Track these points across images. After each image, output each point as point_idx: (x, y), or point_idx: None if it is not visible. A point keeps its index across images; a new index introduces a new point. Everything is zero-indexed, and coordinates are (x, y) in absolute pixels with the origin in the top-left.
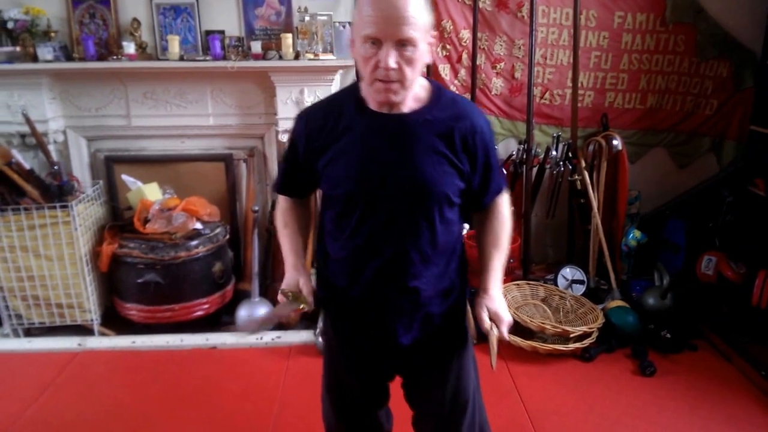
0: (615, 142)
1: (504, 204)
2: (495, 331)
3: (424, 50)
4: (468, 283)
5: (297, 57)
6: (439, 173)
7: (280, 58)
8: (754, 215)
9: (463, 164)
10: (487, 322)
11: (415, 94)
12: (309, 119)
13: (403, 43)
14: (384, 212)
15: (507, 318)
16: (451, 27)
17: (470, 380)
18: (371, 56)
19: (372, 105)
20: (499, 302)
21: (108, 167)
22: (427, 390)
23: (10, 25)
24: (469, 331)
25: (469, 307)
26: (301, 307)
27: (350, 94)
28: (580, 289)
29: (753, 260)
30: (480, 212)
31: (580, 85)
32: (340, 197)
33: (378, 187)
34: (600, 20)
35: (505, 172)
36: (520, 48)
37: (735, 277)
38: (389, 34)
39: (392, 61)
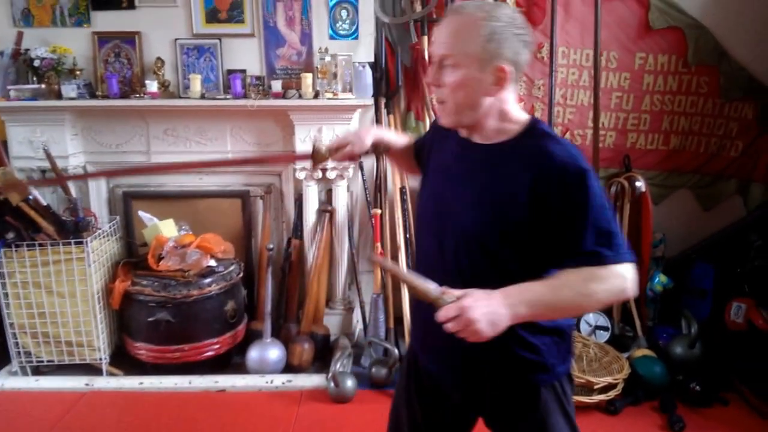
0: (638, 184)
1: (607, 275)
2: (446, 298)
3: (471, 78)
4: (561, 360)
5: (316, 96)
6: (478, 213)
7: (300, 97)
8: None
9: (521, 211)
10: (452, 292)
11: (501, 127)
12: (437, 127)
13: (441, 64)
14: (435, 242)
15: (468, 305)
16: None
17: None
18: None
19: (461, 131)
20: (484, 294)
21: (126, 203)
22: None
23: (36, 63)
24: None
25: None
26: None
27: None
28: (604, 336)
29: None
30: None
31: (601, 125)
32: (416, 216)
33: (431, 213)
34: (621, 61)
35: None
36: (539, 88)
37: (766, 325)
38: (432, 53)
39: (430, 76)
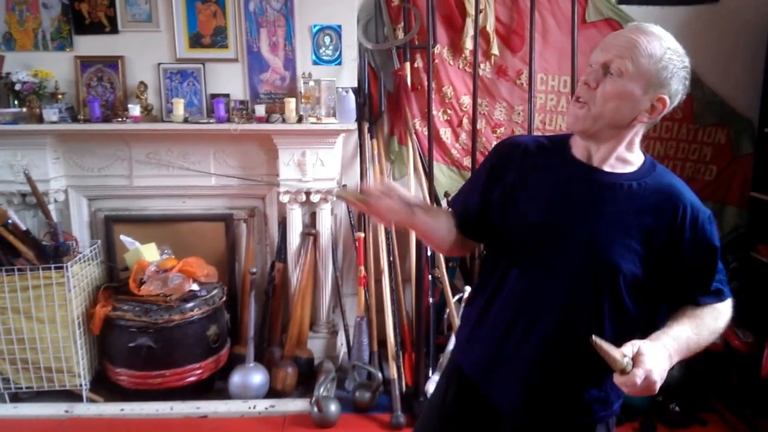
0: None
1: (725, 310)
2: (628, 363)
3: (630, 94)
4: (618, 397)
5: (300, 120)
6: (620, 249)
7: (284, 121)
8: (760, 282)
9: (653, 247)
10: (627, 351)
11: (625, 156)
12: (513, 147)
13: (607, 69)
14: (534, 271)
15: (651, 367)
16: (452, 93)
17: None
18: None
19: (576, 152)
20: (656, 352)
21: (107, 226)
22: None
23: (17, 87)
24: None
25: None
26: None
27: (562, 140)
28: None
29: (761, 329)
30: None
31: None
32: (505, 240)
33: (535, 242)
34: None
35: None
36: (519, 114)
37: (743, 346)
38: (598, 57)
39: (588, 76)
